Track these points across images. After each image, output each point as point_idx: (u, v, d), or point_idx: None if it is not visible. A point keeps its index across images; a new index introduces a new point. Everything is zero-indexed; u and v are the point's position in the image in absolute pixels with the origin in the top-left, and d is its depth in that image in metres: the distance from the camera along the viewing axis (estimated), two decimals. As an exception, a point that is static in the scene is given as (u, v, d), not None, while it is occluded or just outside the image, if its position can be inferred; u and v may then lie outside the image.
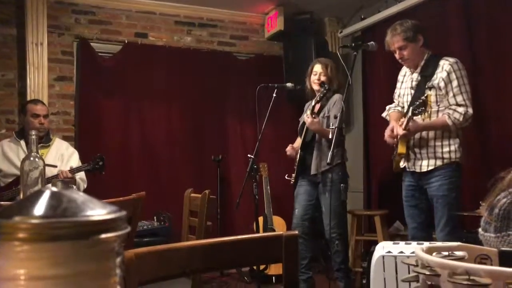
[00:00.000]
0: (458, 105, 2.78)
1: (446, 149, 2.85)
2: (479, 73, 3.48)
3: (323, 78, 3.49)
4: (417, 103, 2.72)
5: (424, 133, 2.89)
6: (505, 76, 3.34)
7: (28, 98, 3.91)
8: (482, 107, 3.42)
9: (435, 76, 2.84)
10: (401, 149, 2.93)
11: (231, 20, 4.94)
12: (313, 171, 3.41)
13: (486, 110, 3.43)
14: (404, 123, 2.81)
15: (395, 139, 2.96)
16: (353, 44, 3.23)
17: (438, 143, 2.86)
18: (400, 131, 2.84)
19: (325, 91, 3.31)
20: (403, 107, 3.13)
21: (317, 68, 3.53)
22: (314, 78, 3.52)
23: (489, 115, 3.42)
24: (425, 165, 2.89)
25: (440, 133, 2.87)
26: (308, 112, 3.33)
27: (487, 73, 3.44)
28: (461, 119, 2.75)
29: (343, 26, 4.94)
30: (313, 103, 3.34)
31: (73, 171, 3.23)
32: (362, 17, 4.53)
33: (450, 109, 2.79)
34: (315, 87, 3.52)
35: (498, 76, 3.38)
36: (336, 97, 3.45)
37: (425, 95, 2.72)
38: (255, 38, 5.05)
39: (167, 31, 4.68)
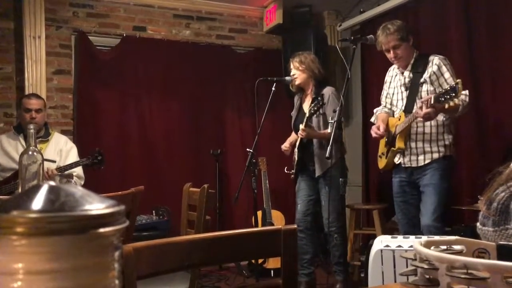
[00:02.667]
0: None
1: (441, 143, 2.92)
2: (478, 67, 3.48)
3: (296, 75, 3.50)
4: (444, 90, 2.62)
5: (420, 129, 2.94)
6: (503, 71, 3.34)
7: (26, 92, 3.90)
8: (480, 102, 3.43)
9: (426, 71, 2.92)
10: (400, 143, 2.97)
11: (229, 13, 4.92)
12: (317, 173, 3.41)
13: (484, 105, 3.43)
14: (430, 101, 2.69)
15: (382, 136, 3.03)
16: (352, 38, 3.22)
17: (434, 138, 2.93)
18: (423, 111, 2.71)
19: (319, 106, 3.23)
20: (390, 109, 3.20)
21: (291, 66, 3.55)
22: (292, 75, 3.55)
23: (488, 110, 3.43)
24: (422, 159, 2.94)
25: (436, 128, 2.92)
26: (302, 126, 3.30)
27: (486, 68, 3.44)
28: (467, 100, 2.76)
29: (342, 20, 4.92)
30: (307, 115, 3.30)
31: (61, 169, 3.19)
32: (362, 10, 4.52)
33: None
34: (295, 82, 3.54)
35: (497, 71, 3.38)
36: (327, 91, 3.43)
37: (457, 80, 2.59)
38: (254, 31, 5.03)
39: (166, 24, 4.67)
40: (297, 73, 3.51)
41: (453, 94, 2.58)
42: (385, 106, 3.26)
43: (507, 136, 3.28)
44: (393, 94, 3.15)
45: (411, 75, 3.02)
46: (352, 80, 4.55)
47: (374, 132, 3.07)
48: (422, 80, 2.92)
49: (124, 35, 4.45)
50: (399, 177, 3.07)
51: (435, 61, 2.91)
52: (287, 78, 3.72)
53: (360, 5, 4.62)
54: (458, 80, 2.63)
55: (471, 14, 3.55)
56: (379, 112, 3.26)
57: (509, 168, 0.90)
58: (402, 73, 3.08)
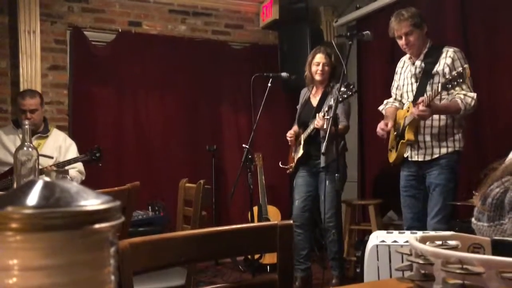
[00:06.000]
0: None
1: (451, 137, 2.87)
2: (473, 61, 3.47)
3: (327, 69, 3.44)
4: (451, 77, 2.59)
5: (429, 122, 2.87)
6: (499, 67, 3.34)
7: (21, 87, 3.89)
8: (477, 98, 3.43)
9: (438, 63, 2.85)
10: (409, 135, 2.91)
11: (226, 8, 4.90)
12: (322, 163, 3.37)
13: (480, 101, 3.43)
14: (426, 101, 2.71)
15: (387, 132, 2.98)
16: (348, 34, 3.21)
17: (443, 131, 2.87)
18: (418, 110, 2.73)
19: (350, 94, 3.04)
20: (400, 101, 3.13)
21: (319, 58, 3.45)
22: (317, 68, 3.45)
23: (483, 106, 3.42)
24: (429, 153, 2.89)
25: (444, 122, 2.86)
26: (321, 115, 3.20)
27: (481, 62, 3.44)
28: (472, 103, 2.75)
29: (338, 16, 4.92)
30: (332, 103, 3.06)
31: (60, 165, 3.19)
32: (358, 6, 4.51)
33: (460, 94, 2.77)
34: (318, 77, 3.46)
35: (493, 67, 3.38)
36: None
37: (463, 66, 2.60)
38: (250, 27, 5.02)
39: (161, 20, 4.65)
40: (325, 70, 3.44)
41: (460, 80, 2.55)
42: (395, 99, 3.18)
43: (502, 132, 3.29)
44: (403, 85, 3.08)
45: (422, 65, 2.93)
46: (347, 76, 4.54)
47: (380, 128, 3.01)
48: (434, 71, 2.85)
49: (120, 30, 4.43)
50: (408, 171, 3.02)
51: (449, 53, 2.83)
52: (283, 74, 3.72)
53: (356, 1, 4.62)
54: (465, 66, 2.61)
55: (467, 8, 3.55)
56: (389, 106, 3.18)
57: (504, 164, 0.90)
58: (413, 63, 2.99)
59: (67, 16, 4.28)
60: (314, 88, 3.58)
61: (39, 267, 0.33)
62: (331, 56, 3.44)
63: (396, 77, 3.18)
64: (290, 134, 3.62)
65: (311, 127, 3.39)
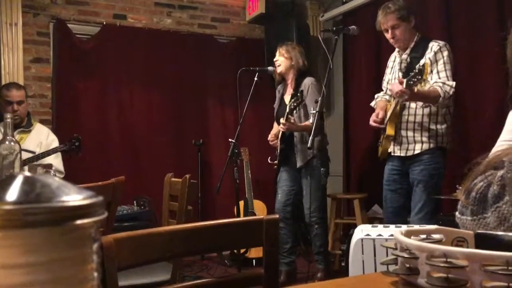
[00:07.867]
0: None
1: (433, 132, 2.85)
2: (456, 56, 3.51)
3: (284, 64, 3.50)
4: (412, 73, 2.59)
5: (411, 117, 2.87)
6: (482, 60, 3.37)
7: (3, 80, 3.81)
8: (459, 92, 3.46)
9: (424, 57, 2.83)
10: (390, 130, 2.91)
11: (212, 2, 4.87)
12: (299, 164, 3.42)
13: (463, 95, 3.47)
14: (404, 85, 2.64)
15: (380, 124, 2.96)
16: (334, 28, 3.21)
17: (426, 127, 2.85)
18: (399, 87, 2.62)
19: (298, 102, 3.26)
20: (390, 95, 3.12)
21: (277, 54, 3.55)
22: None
23: (466, 100, 3.47)
24: (412, 149, 2.88)
25: (428, 117, 2.85)
26: (282, 120, 3.30)
27: (464, 57, 3.47)
28: (451, 92, 2.73)
29: (325, 10, 4.92)
30: (287, 110, 3.30)
31: (39, 156, 3.13)
32: (344, 1, 4.52)
33: (438, 82, 2.75)
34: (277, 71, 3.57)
35: (475, 60, 3.41)
36: (307, 81, 3.43)
37: (422, 63, 2.60)
38: (236, 21, 5.00)
39: (147, 13, 4.60)
40: (280, 60, 3.51)
41: (419, 77, 2.54)
42: (385, 93, 3.16)
43: (485, 126, 3.33)
44: (391, 79, 3.05)
45: (408, 59, 2.92)
46: (333, 70, 4.56)
47: (372, 120, 2.99)
48: (418, 66, 2.80)
49: (104, 23, 4.37)
50: (391, 165, 3.02)
51: (433, 48, 2.81)
52: (270, 68, 3.72)
53: (342, -5, 4.63)
54: (425, 62, 2.61)
55: (452, 5, 3.58)
56: (379, 99, 3.17)
57: (487, 159, 0.91)
58: (401, 56, 2.98)
59: (50, 8, 4.20)
60: (286, 86, 3.62)
61: (19, 264, 0.32)
62: (289, 51, 3.49)
63: (387, 70, 3.17)
64: (270, 138, 3.65)
65: (280, 130, 3.46)
